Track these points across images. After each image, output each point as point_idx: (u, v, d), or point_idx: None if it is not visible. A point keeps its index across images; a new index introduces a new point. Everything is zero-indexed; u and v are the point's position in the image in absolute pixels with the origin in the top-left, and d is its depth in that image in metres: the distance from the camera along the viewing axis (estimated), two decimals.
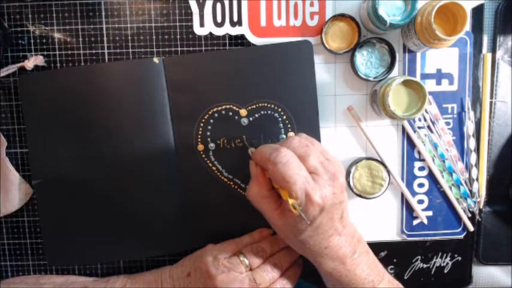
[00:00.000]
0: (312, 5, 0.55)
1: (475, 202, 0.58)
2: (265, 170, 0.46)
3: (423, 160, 0.57)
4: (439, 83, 0.57)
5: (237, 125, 0.55)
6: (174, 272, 0.53)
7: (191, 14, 0.55)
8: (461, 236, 0.59)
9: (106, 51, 0.55)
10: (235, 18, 0.55)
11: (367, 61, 0.55)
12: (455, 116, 0.57)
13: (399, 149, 0.58)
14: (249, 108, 0.55)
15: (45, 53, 0.55)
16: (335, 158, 0.46)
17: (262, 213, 0.48)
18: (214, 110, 0.55)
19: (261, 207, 0.47)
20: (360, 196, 0.55)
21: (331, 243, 0.46)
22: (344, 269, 0.46)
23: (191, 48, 0.55)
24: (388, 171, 0.56)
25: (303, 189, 0.42)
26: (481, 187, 0.58)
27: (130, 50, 0.55)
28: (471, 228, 0.58)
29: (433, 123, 0.57)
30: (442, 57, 0.56)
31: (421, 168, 0.58)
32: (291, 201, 0.42)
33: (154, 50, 0.55)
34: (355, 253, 0.47)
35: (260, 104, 0.55)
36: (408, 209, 0.58)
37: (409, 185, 0.58)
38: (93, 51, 0.55)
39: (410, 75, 0.55)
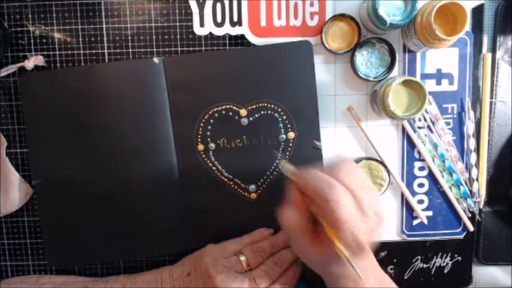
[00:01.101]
0: (312, 5, 0.55)
1: (475, 202, 0.58)
2: (306, 197, 0.42)
3: (423, 160, 0.57)
4: (439, 83, 0.57)
5: (237, 125, 0.55)
6: (174, 272, 0.53)
7: (191, 14, 0.55)
8: (461, 236, 0.59)
9: (106, 51, 0.55)
10: (235, 18, 0.55)
11: (367, 61, 0.55)
12: (455, 116, 0.57)
13: (399, 149, 0.58)
14: (249, 108, 0.55)
15: (45, 53, 0.55)
16: (377, 194, 0.43)
17: (292, 241, 0.44)
18: (214, 110, 0.55)
19: (294, 236, 0.43)
20: None
21: (360, 285, 0.45)
22: None
23: (191, 48, 0.55)
24: (388, 171, 0.56)
25: (352, 234, 0.38)
26: (481, 187, 0.58)
27: (130, 50, 0.55)
28: (471, 228, 0.58)
29: (433, 123, 0.57)
30: (442, 57, 0.56)
31: (421, 168, 0.58)
32: (339, 245, 0.39)
33: (154, 50, 0.55)
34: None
35: (260, 104, 0.55)
36: (408, 209, 0.58)
37: (409, 185, 0.58)
38: (93, 51, 0.55)
39: (410, 75, 0.55)
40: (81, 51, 0.55)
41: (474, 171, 0.57)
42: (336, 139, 0.57)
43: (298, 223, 0.42)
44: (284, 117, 0.55)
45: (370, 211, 0.39)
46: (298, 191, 0.42)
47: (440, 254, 0.59)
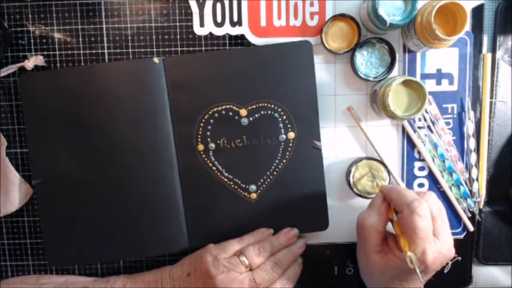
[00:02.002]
0: (312, 5, 0.55)
1: (475, 202, 0.58)
2: (391, 210, 0.48)
3: (423, 160, 0.57)
4: (439, 83, 0.57)
5: (237, 125, 0.55)
6: (174, 272, 0.53)
7: (191, 14, 0.55)
8: (461, 236, 0.59)
9: (106, 51, 0.55)
10: (235, 18, 0.55)
11: (367, 61, 0.55)
12: (455, 116, 0.57)
13: (399, 149, 0.58)
14: (249, 108, 0.55)
15: (45, 53, 0.55)
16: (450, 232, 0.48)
17: (361, 243, 0.50)
18: (214, 110, 0.55)
19: (368, 238, 0.48)
20: (360, 196, 0.55)
21: None
22: None
23: (191, 48, 0.55)
24: (388, 171, 0.56)
25: (423, 247, 0.44)
26: (481, 187, 0.58)
27: (130, 50, 0.55)
28: (471, 228, 0.58)
29: (433, 123, 0.57)
30: (442, 57, 0.56)
31: (421, 168, 0.58)
32: (409, 253, 0.44)
33: (154, 50, 0.55)
34: None
35: (260, 104, 0.55)
36: None
37: (409, 185, 0.58)
38: (93, 51, 0.55)
39: (410, 75, 0.55)
40: (81, 51, 0.55)
41: (474, 171, 0.57)
42: (336, 139, 0.57)
43: (376, 227, 0.48)
44: (284, 117, 0.55)
45: (443, 237, 0.46)
46: (385, 199, 0.49)
47: None
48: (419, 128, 0.57)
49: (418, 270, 0.43)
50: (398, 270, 0.47)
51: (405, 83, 0.51)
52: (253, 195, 0.56)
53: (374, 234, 0.48)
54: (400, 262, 0.46)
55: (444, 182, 0.57)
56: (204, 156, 0.55)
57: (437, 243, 0.45)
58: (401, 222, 0.45)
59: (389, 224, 0.49)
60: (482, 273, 0.61)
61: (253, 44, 0.55)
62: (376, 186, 0.54)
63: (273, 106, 0.55)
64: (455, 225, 0.59)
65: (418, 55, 0.56)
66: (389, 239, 0.49)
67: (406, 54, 0.56)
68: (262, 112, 0.55)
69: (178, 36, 0.55)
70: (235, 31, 0.55)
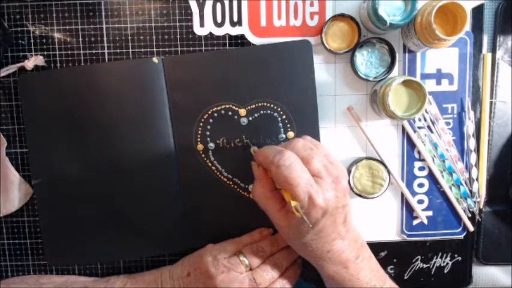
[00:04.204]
0: (312, 5, 0.55)
1: (475, 202, 0.58)
2: (268, 171, 0.46)
3: (423, 160, 0.57)
4: (439, 83, 0.56)
5: (236, 124, 0.55)
6: (174, 272, 0.53)
7: (191, 14, 0.55)
8: (461, 236, 0.59)
9: (106, 51, 0.55)
10: (235, 18, 0.55)
11: (367, 61, 0.55)
12: (455, 116, 0.57)
13: (399, 149, 0.57)
14: (249, 108, 0.55)
15: (45, 53, 0.55)
16: (338, 161, 0.46)
17: (267, 214, 0.48)
18: (214, 109, 0.55)
19: (266, 208, 0.47)
20: (360, 196, 0.55)
21: (333, 247, 0.46)
22: (347, 274, 0.46)
23: (191, 48, 0.55)
24: (388, 171, 0.56)
25: (305, 192, 0.42)
26: (481, 187, 0.58)
27: (130, 50, 0.55)
28: (471, 228, 0.58)
29: (433, 123, 0.57)
30: (442, 57, 0.56)
31: (421, 168, 0.58)
32: (293, 203, 0.42)
33: (154, 50, 0.55)
34: (358, 258, 0.47)
35: (259, 104, 0.55)
36: (408, 209, 0.58)
37: (409, 185, 0.58)
38: (93, 51, 0.55)
39: (410, 75, 0.55)
40: (81, 51, 0.55)
41: (474, 171, 0.57)
42: (336, 139, 0.57)
43: (264, 195, 0.46)
44: (284, 116, 0.55)
45: (326, 174, 0.44)
46: (261, 166, 0.47)
47: (440, 254, 0.59)
48: (419, 128, 0.57)
49: (305, 217, 0.42)
50: (302, 226, 0.45)
51: (405, 83, 0.51)
52: None
53: (266, 202, 0.46)
54: (299, 217, 0.43)
55: (444, 182, 0.57)
56: (203, 156, 0.55)
57: (321, 183, 0.43)
58: (275, 179, 0.44)
59: None
60: (482, 273, 0.61)
61: (253, 44, 0.55)
62: (253, 152, 0.52)
63: (272, 106, 0.55)
64: (455, 225, 0.59)
65: (418, 55, 0.56)
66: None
67: (406, 54, 0.56)
68: (262, 112, 0.55)
69: (178, 36, 0.55)
70: (235, 31, 0.55)
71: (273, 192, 0.47)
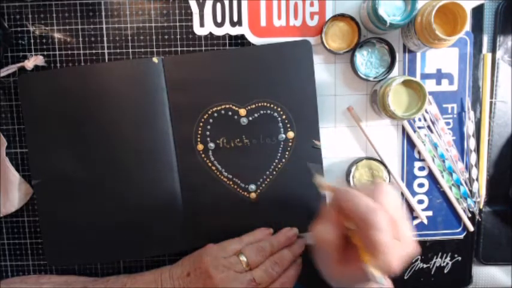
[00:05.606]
0: (312, 5, 0.55)
1: (475, 202, 0.58)
2: (341, 213, 0.41)
3: (423, 160, 0.57)
4: (439, 83, 0.57)
5: (236, 124, 0.55)
6: (174, 272, 0.53)
7: (191, 14, 0.55)
8: (461, 236, 0.59)
9: (106, 51, 0.55)
10: (235, 18, 0.55)
11: (367, 61, 0.55)
12: (455, 116, 0.57)
13: (399, 149, 0.58)
14: (249, 107, 0.55)
15: (45, 53, 0.55)
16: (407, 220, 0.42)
17: (318, 252, 0.44)
18: (214, 109, 0.55)
19: (324, 251, 0.43)
20: None
21: None
22: None
23: (191, 48, 0.55)
24: (388, 171, 0.56)
25: (388, 260, 0.39)
26: (481, 187, 0.58)
27: (130, 50, 0.55)
28: (471, 228, 0.58)
29: (433, 123, 0.57)
30: (442, 57, 0.56)
31: (421, 168, 0.58)
32: (371, 269, 0.39)
33: (154, 50, 0.55)
34: None
35: (259, 104, 0.55)
36: (408, 209, 0.58)
37: (409, 185, 0.58)
38: (93, 51, 0.55)
39: (410, 75, 0.55)
40: (81, 51, 0.55)
41: (474, 171, 0.57)
42: (336, 139, 0.57)
43: (331, 239, 0.41)
44: (283, 116, 0.55)
45: (405, 238, 0.40)
46: (334, 207, 0.42)
47: (440, 254, 0.59)
48: (419, 128, 0.57)
49: (381, 284, 0.39)
50: (361, 277, 0.41)
51: (405, 83, 0.51)
52: (253, 195, 0.56)
53: (330, 246, 0.42)
54: (362, 271, 0.40)
55: (444, 182, 0.57)
56: (203, 155, 0.55)
57: (400, 248, 0.40)
58: (357, 234, 0.40)
59: None
60: (482, 273, 0.61)
61: (253, 44, 0.55)
62: (322, 184, 0.46)
63: (272, 106, 0.55)
64: (455, 225, 0.59)
65: (418, 55, 0.56)
66: (348, 246, 0.43)
67: (406, 54, 0.56)
68: (262, 112, 0.55)
69: (178, 36, 0.55)
70: (235, 31, 0.55)
71: (340, 239, 0.42)
